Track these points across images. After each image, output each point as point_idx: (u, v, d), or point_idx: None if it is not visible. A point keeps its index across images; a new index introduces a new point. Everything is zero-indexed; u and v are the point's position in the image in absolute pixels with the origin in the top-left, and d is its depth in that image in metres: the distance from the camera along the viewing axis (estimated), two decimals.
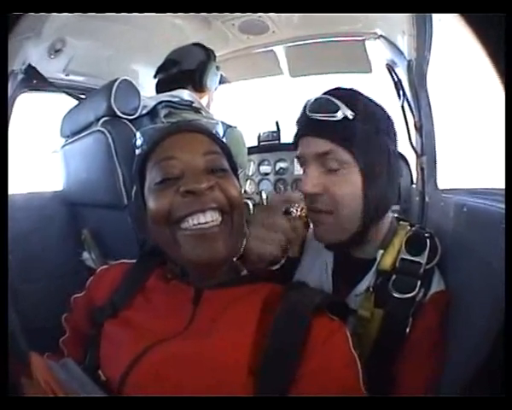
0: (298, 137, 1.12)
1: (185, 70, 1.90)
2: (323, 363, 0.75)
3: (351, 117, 1.02)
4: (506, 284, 0.63)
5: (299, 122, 1.13)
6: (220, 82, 2.09)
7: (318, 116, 1.04)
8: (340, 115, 1.01)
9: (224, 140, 1.04)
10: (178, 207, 0.84)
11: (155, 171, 0.89)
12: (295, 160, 2.77)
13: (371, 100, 1.09)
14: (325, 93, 1.08)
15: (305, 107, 1.09)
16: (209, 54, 1.96)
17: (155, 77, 1.99)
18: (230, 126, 1.75)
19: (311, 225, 1.16)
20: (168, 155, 0.89)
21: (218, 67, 2.01)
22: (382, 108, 1.10)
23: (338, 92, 1.06)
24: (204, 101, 1.92)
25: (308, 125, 1.08)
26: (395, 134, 1.12)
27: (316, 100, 1.07)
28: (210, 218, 0.84)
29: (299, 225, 1.02)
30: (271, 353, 0.75)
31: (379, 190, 1.05)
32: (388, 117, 1.11)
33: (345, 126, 1.02)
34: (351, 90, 1.09)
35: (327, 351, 0.76)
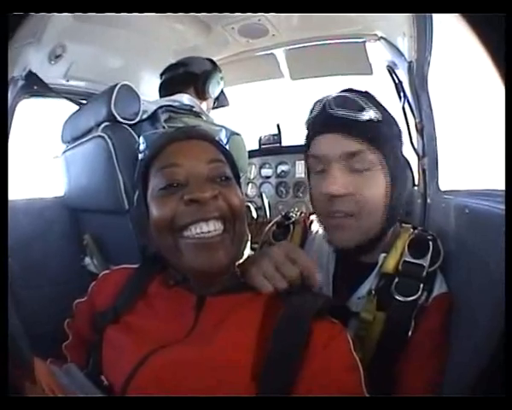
0: (315, 134, 1.08)
1: (191, 72, 1.95)
2: (324, 367, 0.75)
3: (376, 119, 1.01)
4: (506, 285, 0.63)
5: (316, 120, 1.08)
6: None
7: (344, 114, 1.00)
8: (366, 115, 1.00)
9: (227, 147, 1.04)
10: (182, 216, 0.84)
11: (159, 177, 0.89)
12: (297, 162, 2.79)
13: (382, 105, 1.08)
14: (341, 92, 1.06)
15: (323, 104, 1.05)
16: (215, 65, 2.03)
17: (161, 77, 2.02)
18: (234, 133, 1.74)
19: (323, 230, 1.15)
20: (172, 162, 0.88)
21: (222, 78, 2.06)
22: (391, 114, 1.09)
23: (355, 93, 1.05)
24: (203, 107, 1.94)
25: (331, 122, 1.03)
26: (403, 140, 1.13)
27: (338, 97, 1.04)
28: (213, 227, 0.84)
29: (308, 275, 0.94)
30: (273, 357, 0.75)
31: (399, 193, 1.05)
32: (397, 123, 1.10)
33: (373, 127, 1.00)
34: (366, 92, 1.08)
35: (327, 355, 0.76)
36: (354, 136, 1.00)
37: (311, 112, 1.10)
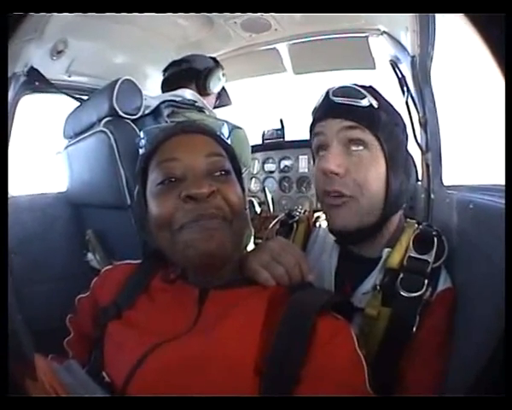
0: (318, 120, 1.09)
1: (193, 68, 1.97)
2: (328, 363, 0.74)
3: (376, 106, 1.03)
4: (506, 284, 0.62)
5: (320, 108, 1.11)
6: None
7: (344, 100, 1.04)
8: (365, 102, 1.03)
9: (228, 141, 1.03)
10: (180, 214, 0.83)
11: (157, 172, 0.88)
12: (300, 157, 2.79)
13: (385, 98, 1.10)
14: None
15: (327, 94, 1.08)
16: (218, 63, 2.05)
17: (164, 73, 2.04)
18: (236, 127, 1.75)
19: (324, 216, 1.15)
20: (170, 157, 0.88)
21: (223, 75, 2.07)
22: (394, 108, 1.11)
23: (358, 85, 1.07)
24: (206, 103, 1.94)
25: (332, 108, 1.06)
26: (407, 134, 1.15)
27: (340, 87, 1.07)
28: (210, 224, 0.83)
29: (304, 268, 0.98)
30: (277, 353, 0.75)
31: (399, 181, 1.06)
32: (401, 117, 1.13)
33: (371, 112, 1.03)
34: (370, 86, 1.10)
35: (331, 351, 0.76)
36: (353, 120, 1.02)
37: (317, 102, 1.12)
